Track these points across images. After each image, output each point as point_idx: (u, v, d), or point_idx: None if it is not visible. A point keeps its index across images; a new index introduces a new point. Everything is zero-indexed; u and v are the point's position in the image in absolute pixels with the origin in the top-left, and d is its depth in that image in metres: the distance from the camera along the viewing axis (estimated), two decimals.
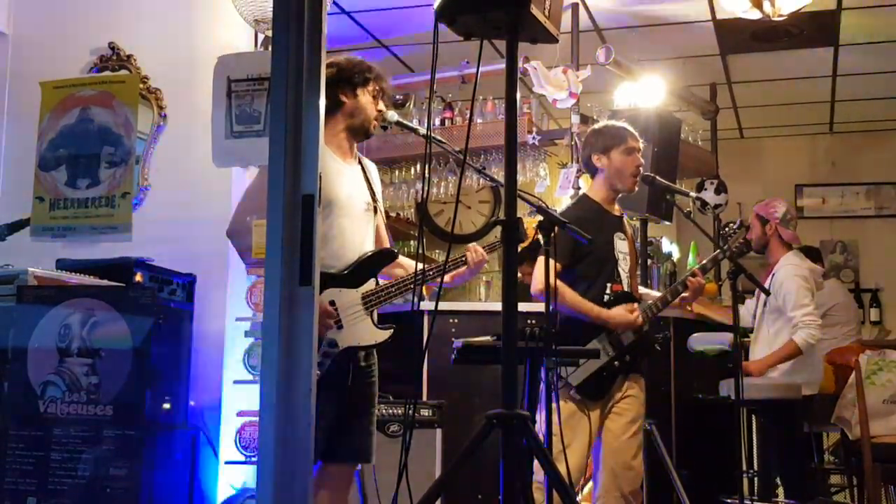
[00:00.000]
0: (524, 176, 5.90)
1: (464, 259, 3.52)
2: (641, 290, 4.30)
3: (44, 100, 3.18)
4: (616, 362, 3.88)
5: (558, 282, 3.73)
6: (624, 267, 4.03)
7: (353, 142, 3.50)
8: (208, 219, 4.67)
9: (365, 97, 3.42)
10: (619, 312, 3.89)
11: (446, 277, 3.54)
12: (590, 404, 3.83)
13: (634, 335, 3.93)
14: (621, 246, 4.03)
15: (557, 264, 3.70)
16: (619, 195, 4.11)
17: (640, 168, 4.08)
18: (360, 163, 3.56)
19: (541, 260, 3.53)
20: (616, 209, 4.09)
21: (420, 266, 3.07)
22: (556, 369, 3.40)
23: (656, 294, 4.21)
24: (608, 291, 3.92)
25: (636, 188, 4.12)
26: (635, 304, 3.95)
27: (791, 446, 5.23)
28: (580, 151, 4.21)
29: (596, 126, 4.36)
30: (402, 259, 3.59)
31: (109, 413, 3.40)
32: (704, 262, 4.32)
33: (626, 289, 3.98)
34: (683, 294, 4.09)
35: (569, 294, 3.82)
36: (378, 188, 3.62)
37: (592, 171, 4.11)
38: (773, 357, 5.11)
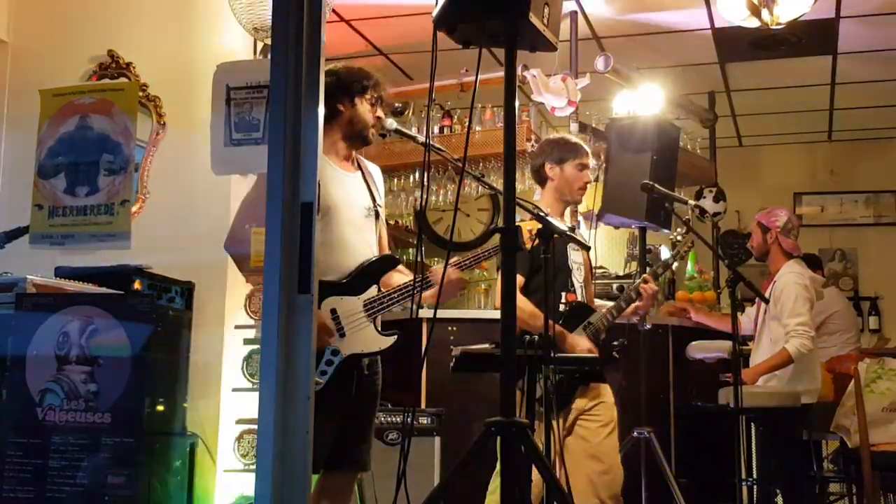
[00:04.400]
0: (523, 184, 5.90)
1: (429, 281, 3.41)
2: (596, 302, 4.29)
3: (43, 107, 3.18)
4: (576, 373, 3.87)
5: (524, 301, 3.73)
6: (578, 277, 4.06)
7: (351, 149, 3.50)
8: (207, 226, 4.66)
9: (363, 105, 3.42)
10: (582, 344, 3.88)
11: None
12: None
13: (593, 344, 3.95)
14: (575, 256, 4.05)
15: (519, 276, 3.70)
16: (568, 206, 4.19)
17: (588, 184, 4.15)
18: (360, 168, 3.55)
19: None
20: (565, 221, 4.12)
21: (422, 273, 3.07)
22: (554, 378, 3.40)
23: (610, 304, 4.19)
24: (563, 301, 3.92)
25: (582, 200, 4.19)
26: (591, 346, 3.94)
27: (790, 455, 5.22)
28: (532, 158, 4.25)
29: (552, 136, 4.40)
30: (402, 267, 3.58)
31: (108, 421, 3.40)
32: (655, 267, 4.36)
33: (580, 299, 4.00)
34: (637, 303, 4.10)
35: (534, 313, 3.76)
36: (380, 192, 3.61)
37: (542, 181, 4.13)
38: (764, 365, 5.10)
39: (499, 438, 2.41)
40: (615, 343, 4.00)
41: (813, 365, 5.21)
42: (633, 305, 4.09)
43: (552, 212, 3.98)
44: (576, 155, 4.09)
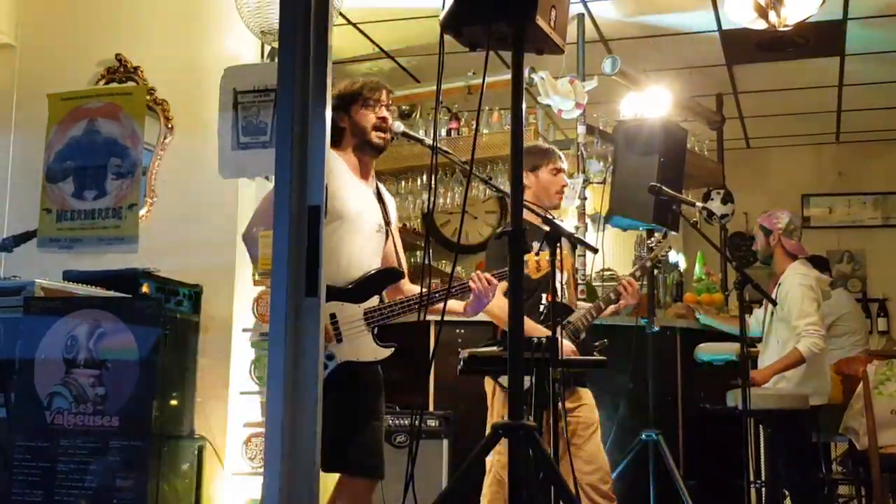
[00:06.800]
0: None
1: (467, 285, 3.41)
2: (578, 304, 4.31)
3: (51, 112, 3.20)
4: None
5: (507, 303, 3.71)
6: (560, 279, 4.03)
7: (367, 160, 3.47)
8: (215, 229, 4.68)
9: (357, 113, 3.41)
10: (565, 346, 3.79)
11: (459, 307, 3.51)
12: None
13: (573, 344, 3.95)
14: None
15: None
16: (547, 212, 4.15)
17: (565, 188, 4.21)
18: (377, 187, 3.55)
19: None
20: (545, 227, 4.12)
21: (427, 282, 3.05)
22: (562, 380, 3.39)
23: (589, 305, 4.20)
24: (543, 302, 3.92)
25: (560, 204, 4.24)
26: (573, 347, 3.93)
27: (799, 457, 5.20)
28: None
29: (524, 145, 4.40)
30: (405, 283, 3.53)
31: (116, 424, 3.40)
32: (634, 269, 4.38)
33: (561, 299, 3.99)
34: (620, 302, 4.13)
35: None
36: (393, 214, 3.60)
37: None
38: (776, 366, 5.08)
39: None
40: (596, 343, 4.00)
41: (822, 367, 5.20)
42: (612, 307, 4.14)
43: (532, 219, 3.95)
44: (548, 160, 4.17)
